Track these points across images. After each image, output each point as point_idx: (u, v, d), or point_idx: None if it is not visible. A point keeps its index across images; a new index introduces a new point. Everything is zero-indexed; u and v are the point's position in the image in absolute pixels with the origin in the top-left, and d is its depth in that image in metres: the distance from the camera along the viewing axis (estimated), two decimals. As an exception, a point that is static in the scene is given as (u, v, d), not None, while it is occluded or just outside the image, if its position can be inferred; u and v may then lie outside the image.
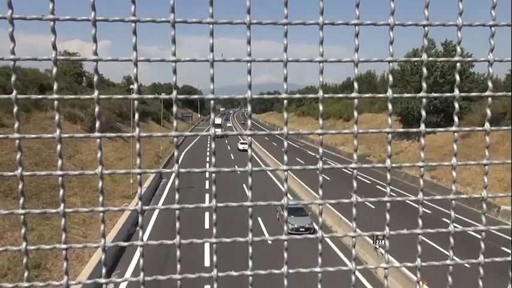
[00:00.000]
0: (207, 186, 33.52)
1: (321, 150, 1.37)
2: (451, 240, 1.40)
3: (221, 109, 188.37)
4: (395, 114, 51.60)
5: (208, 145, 56.86)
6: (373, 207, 27.06)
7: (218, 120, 67.27)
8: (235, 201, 1.45)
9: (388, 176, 1.39)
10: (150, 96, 1.32)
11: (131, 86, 36.02)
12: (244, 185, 31.95)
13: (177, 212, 1.32)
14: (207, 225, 22.68)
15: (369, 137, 53.39)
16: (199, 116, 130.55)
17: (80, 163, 32.23)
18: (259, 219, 25.19)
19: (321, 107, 1.36)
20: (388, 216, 1.38)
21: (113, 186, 30.87)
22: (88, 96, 1.30)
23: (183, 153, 54.85)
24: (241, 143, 63.23)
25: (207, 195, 30.87)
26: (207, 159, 49.30)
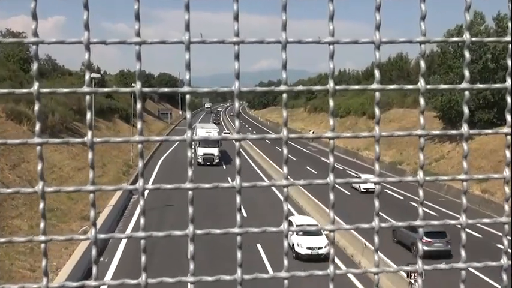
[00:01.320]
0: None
1: (331, 159, 1.35)
2: (504, 277, 1.38)
3: (206, 105, 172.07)
4: (435, 109, 51.67)
5: (195, 148, 56.90)
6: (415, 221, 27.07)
7: (209, 130, 58.05)
8: (227, 220, 1.43)
9: (421, 192, 1.37)
10: (106, 89, 1.29)
11: (92, 75, 36.05)
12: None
13: (142, 241, 1.30)
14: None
15: (401, 140, 53.45)
16: (180, 113, 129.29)
17: (27, 175, 32.20)
18: (258, 246, 25.17)
19: (331, 103, 1.34)
20: (420, 247, 1.35)
21: (69, 205, 30.84)
22: (25, 90, 1.28)
23: (161, 161, 54.86)
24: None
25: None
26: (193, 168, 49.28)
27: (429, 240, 24.39)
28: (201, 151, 53.02)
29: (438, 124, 53.35)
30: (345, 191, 39.96)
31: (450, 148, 47.88)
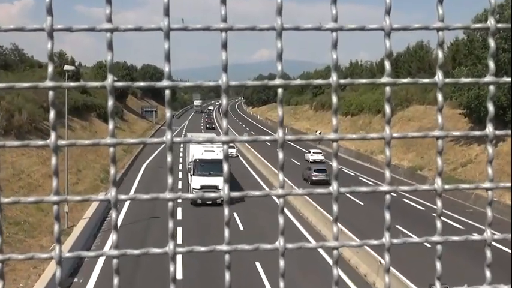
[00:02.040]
0: (180, 216, 33.52)
1: (334, 164, 1.34)
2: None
3: (196, 103, 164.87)
4: (460, 106, 51.70)
5: (182, 149, 57.03)
6: (428, 245, 27.09)
7: (210, 148, 39.40)
8: (218, 234, 1.42)
9: (439, 203, 1.36)
10: (72, 84, 1.29)
11: (65, 67, 36.10)
12: (235, 214, 31.95)
13: (114, 261, 1.29)
14: (179, 274, 22.62)
15: (422, 142, 53.51)
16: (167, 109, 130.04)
17: (-11, 182, 32.16)
18: (257, 265, 25.14)
19: (334, 99, 1.33)
20: (438, 266, 1.35)
21: (39, 217, 30.84)
22: (-22, 85, 1.27)
23: (145, 165, 54.83)
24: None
25: (180, 230, 30.80)
26: (185, 173, 49.25)
27: (317, 174, 47.72)
28: (196, 182, 38.19)
29: (464, 123, 53.39)
30: (356, 200, 39.95)
31: (478, 151, 47.85)
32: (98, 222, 32.36)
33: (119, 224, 1.32)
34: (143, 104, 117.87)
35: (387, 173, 1.36)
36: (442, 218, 1.38)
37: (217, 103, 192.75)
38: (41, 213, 31.22)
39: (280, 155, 1.34)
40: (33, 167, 39.85)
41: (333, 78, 1.32)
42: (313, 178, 47.44)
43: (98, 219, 32.69)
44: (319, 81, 1.35)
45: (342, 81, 1.33)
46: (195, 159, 38.82)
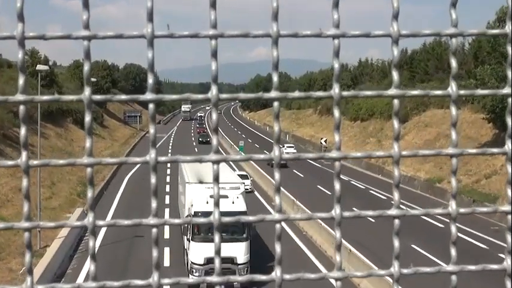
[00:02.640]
0: (167, 234, 33.49)
1: (337, 186, 1.37)
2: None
3: (184, 108, 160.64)
4: (483, 110, 51.79)
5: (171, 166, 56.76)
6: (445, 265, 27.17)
7: (227, 192, 26.43)
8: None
9: (453, 229, 1.39)
10: (45, 97, 1.31)
11: (38, 67, 36.13)
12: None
13: (92, 294, 1.30)
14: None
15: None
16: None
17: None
18: None
19: (336, 113, 1.36)
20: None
21: (8, 237, 30.75)
22: None
23: (128, 177, 54.76)
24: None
25: (166, 250, 30.75)
26: (170, 186, 49.00)
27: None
28: (198, 252, 25.93)
29: (488, 129, 53.48)
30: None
31: (504, 161, 47.87)
32: (74, 242, 32.30)
33: (97, 247, 1.34)
34: (126, 109, 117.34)
35: (396, 196, 1.38)
36: (464, 236, 1.39)
37: (207, 107, 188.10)
38: (10, 232, 31.15)
39: (277, 176, 1.36)
40: (1, 179, 39.80)
41: (335, 90, 1.35)
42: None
43: (75, 238, 32.64)
44: (320, 94, 1.37)
45: (344, 93, 1.35)
46: (195, 212, 26.46)
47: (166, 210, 40.76)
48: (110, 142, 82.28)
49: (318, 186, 52.04)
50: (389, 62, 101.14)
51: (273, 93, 1.34)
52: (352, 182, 53.81)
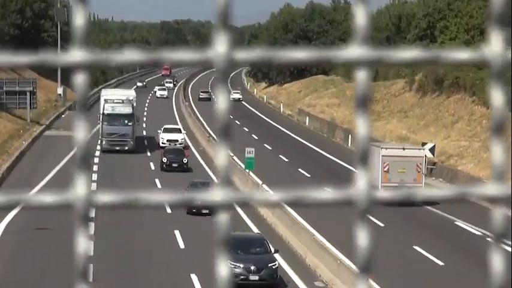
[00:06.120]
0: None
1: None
2: None
3: (138, 84, 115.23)
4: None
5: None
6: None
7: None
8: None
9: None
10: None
11: None
12: (177, 231, 32.01)
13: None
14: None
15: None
16: (59, 89, 79.01)
17: None
18: (193, 276, 24.09)
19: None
20: None
21: None
22: None
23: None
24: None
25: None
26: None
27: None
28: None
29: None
30: (375, 220, 33.19)
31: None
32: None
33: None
34: (2, 76, 64.44)
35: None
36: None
37: (166, 83, 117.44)
38: None
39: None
40: None
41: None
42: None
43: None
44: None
45: None
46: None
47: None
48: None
49: (299, 169, 49.64)
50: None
51: (357, 49, 0.74)
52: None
